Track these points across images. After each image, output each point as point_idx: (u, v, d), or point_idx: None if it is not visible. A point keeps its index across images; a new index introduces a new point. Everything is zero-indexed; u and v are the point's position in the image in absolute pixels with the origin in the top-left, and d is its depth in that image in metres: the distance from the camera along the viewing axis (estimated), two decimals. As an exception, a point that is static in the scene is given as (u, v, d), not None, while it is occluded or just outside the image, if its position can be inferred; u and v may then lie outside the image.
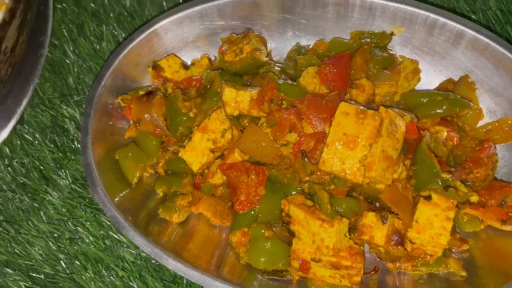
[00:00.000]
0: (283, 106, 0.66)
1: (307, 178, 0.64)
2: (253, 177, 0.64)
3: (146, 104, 0.68)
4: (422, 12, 0.68)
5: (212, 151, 0.66)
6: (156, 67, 0.72)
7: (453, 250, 0.64)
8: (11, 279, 0.69)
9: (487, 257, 0.63)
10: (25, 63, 0.64)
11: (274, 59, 0.76)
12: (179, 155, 0.67)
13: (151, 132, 0.69)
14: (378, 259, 0.64)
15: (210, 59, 0.75)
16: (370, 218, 0.61)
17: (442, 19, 0.68)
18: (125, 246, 0.70)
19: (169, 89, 0.70)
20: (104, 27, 0.83)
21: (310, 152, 0.63)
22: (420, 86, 0.72)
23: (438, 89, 0.71)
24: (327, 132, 0.62)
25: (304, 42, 0.75)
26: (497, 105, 0.68)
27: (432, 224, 0.60)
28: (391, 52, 0.72)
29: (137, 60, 0.72)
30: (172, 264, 0.60)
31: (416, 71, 0.71)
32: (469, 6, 0.80)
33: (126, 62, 0.71)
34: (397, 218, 0.62)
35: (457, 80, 0.71)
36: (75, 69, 0.81)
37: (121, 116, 0.72)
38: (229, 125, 0.66)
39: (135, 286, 0.68)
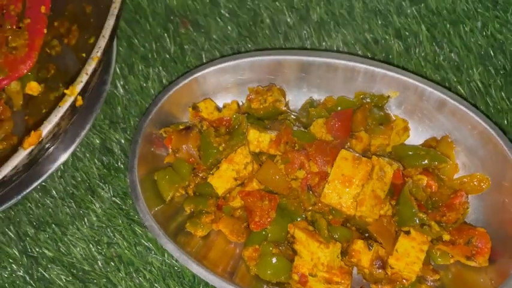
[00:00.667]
0: (295, 148, 0.70)
1: (310, 208, 0.68)
2: (267, 203, 0.68)
3: (184, 136, 0.73)
4: (414, 82, 0.73)
5: (235, 179, 0.70)
6: (195, 108, 0.77)
7: (427, 278, 0.67)
8: (54, 273, 0.75)
9: (454, 285, 0.67)
10: (91, 96, 0.68)
11: (291, 108, 0.79)
12: (208, 180, 0.70)
13: (186, 160, 0.73)
14: (364, 280, 0.68)
15: (238, 104, 0.79)
16: (359, 245, 0.66)
17: (429, 89, 0.73)
18: (153, 253, 0.75)
19: (204, 126, 0.74)
20: (151, 69, 0.87)
21: (315, 186, 0.67)
22: (409, 141, 0.76)
23: (423, 145, 0.74)
24: (328, 172, 0.67)
25: (316, 97, 0.79)
26: (471, 162, 0.73)
27: (409, 254, 0.65)
28: (386, 111, 0.76)
29: (179, 101, 0.77)
30: (195, 269, 0.66)
31: (406, 129, 0.75)
32: (456, 78, 0.85)
33: (170, 101, 0.76)
34: (381, 246, 0.66)
35: (439, 138, 0.74)
36: (124, 102, 0.85)
37: (162, 144, 0.76)
38: (251, 159, 0.70)
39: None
